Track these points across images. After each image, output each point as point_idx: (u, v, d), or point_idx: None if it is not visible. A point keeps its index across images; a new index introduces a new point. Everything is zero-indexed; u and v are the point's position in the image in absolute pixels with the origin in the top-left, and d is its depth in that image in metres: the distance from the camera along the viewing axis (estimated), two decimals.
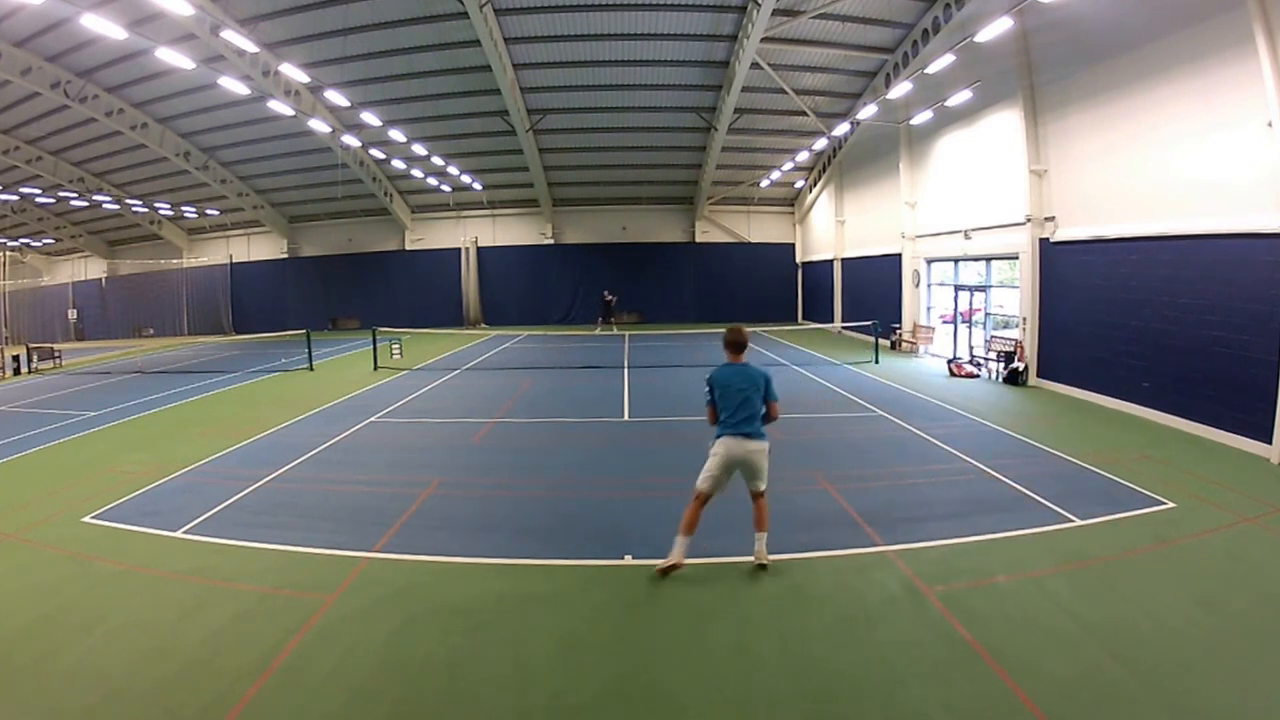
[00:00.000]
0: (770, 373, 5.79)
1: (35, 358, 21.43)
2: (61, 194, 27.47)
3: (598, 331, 28.26)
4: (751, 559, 5.70)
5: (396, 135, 21.41)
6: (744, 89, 21.20)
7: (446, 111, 23.68)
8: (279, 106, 18.81)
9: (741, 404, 5.63)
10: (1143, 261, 11.35)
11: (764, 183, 29.39)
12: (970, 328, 17.75)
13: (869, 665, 4.36)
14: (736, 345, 5.86)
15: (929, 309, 20.64)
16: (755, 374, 5.75)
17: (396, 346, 20.04)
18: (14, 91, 21.09)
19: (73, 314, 36.24)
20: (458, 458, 9.65)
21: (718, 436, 5.66)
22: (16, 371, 20.38)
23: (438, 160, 24.80)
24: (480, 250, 32.60)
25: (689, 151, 27.44)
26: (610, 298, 29.90)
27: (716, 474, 5.62)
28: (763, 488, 5.71)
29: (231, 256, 34.05)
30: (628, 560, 6.00)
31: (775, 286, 32.65)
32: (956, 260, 18.60)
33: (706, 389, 5.81)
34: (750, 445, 5.59)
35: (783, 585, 5.50)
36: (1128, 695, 3.99)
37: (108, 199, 28.51)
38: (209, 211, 31.32)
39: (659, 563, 5.59)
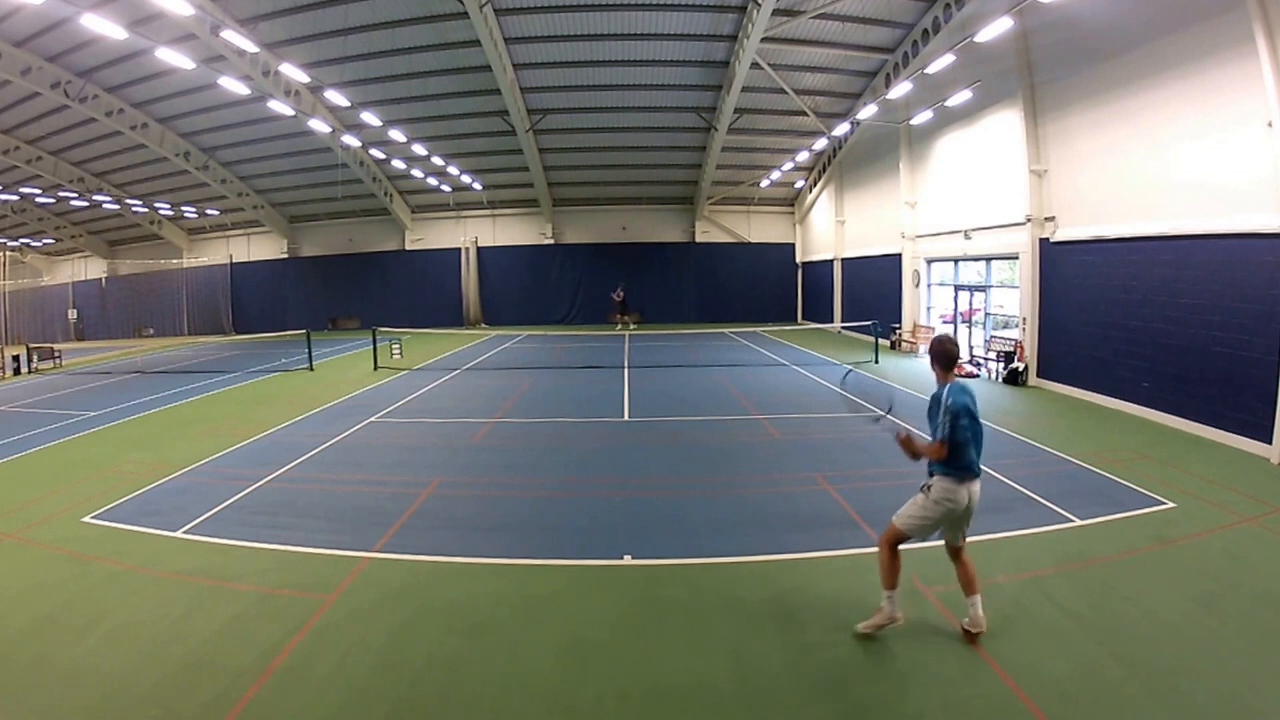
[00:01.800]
0: None
1: (35, 358, 21.44)
2: (61, 194, 27.47)
3: (618, 329, 28.34)
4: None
5: (396, 135, 21.42)
6: (744, 89, 21.20)
7: (446, 111, 23.68)
8: (279, 106, 18.81)
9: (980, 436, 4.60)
10: (1143, 261, 11.35)
11: (764, 183, 29.39)
12: (970, 328, 17.74)
13: (868, 666, 4.36)
14: (951, 360, 4.86)
15: (929, 309, 20.63)
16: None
17: (396, 346, 20.04)
18: (14, 91, 21.08)
19: (73, 314, 36.24)
20: (458, 458, 9.65)
21: (958, 478, 4.53)
22: (16, 371, 20.38)
23: (438, 160, 24.80)
24: (480, 250, 32.61)
25: (689, 151, 27.44)
26: (620, 294, 29.76)
27: (938, 524, 4.63)
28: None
29: (231, 256, 34.05)
30: (627, 560, 6.01)
31: (775, 286, 32.66)
32: (956, 260, 18.60)
33: (949, 418, 4.51)
34: (978, 488, 4.64)
35: (782, 585, 5.49)
36: (1127, 695, 3.99)
37: (108, 199, 28.52)
38: (209, 211, 31.32)
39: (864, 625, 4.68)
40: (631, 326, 28.75)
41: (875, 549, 6.02)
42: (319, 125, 21.05)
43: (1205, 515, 6.79)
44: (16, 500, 7.86)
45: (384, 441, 10.59)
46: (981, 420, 4.67)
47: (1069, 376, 13.39)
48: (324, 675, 4.33)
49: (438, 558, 6.09)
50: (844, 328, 25.61)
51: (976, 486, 4.62)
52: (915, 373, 16.39)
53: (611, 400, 13.36)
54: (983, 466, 8.33)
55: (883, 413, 4.79)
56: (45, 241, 35.48)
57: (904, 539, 4.69)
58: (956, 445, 4.52)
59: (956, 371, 4.85)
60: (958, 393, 4.65)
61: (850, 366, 5.05)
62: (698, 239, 32.37)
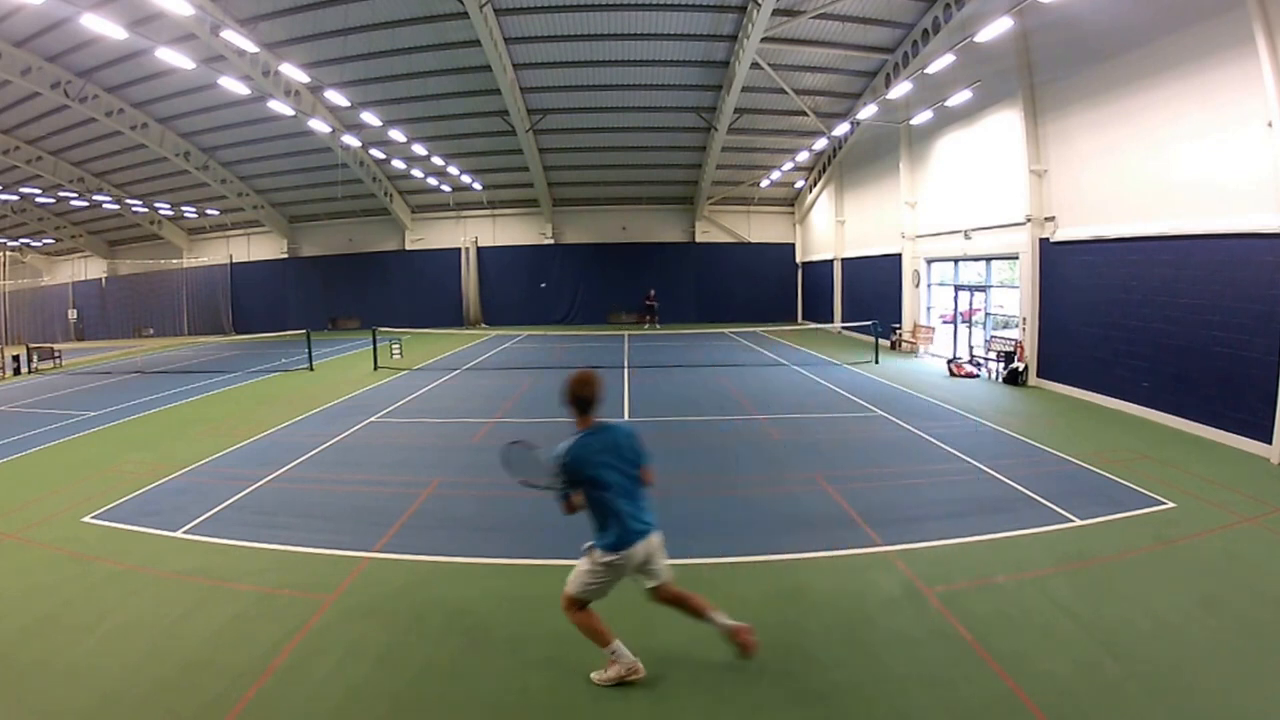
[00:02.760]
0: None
1: (35, 358, 21.43)
2: (61, 194, 27.47)
3: (645, 328, 28.92)
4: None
5: (396, 135, 21.42)
6: (744, 89, 21.19)
7: (446, 111, 23.68)
8: (279, 106, 18.81)
9: (634, 487, 4.05)
10: (1143, 261, 11.35)
11: (764, 183, 29.39)
12: (970, 328, 17.76)
13: (869, 666, 4.36)
14: (585, 403, 4.02)
15: (929, 309, 20.63)
16: (627, 435, 4.14)
17: (396, 346, 20.04)
18: (14, 91, 21.08)
19: (73, 314, 36.23)
20: (458, 458, 9.65)
21: (611, 545, 3.96)
22: (16, 371, 20.38)
23: (438, 160, 24.80)
24: (480, 250, 32.61)
25: (689, 151, 27.44)
26: (653, 300, 30.19)
27: (610, 584, 4.10)
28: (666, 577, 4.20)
29: (231, 256, 34.04)
30: None
31: (775, 286, 32.66)
32: (956, 260, 18.60)
33: (559, 476, 3.97)
34: (655, 541, 4.10)
35: (783, 585, 5.49)
36: (1127, 695, 3.99)
37: (108, 199, 28.51)
38: (209, 211, 31.32)
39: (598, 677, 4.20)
40: (654, 326, 29.16)
41: (876, 549, 6.09)
42: (319, 125, 21.06)
43: (1205, 515, 6.79)
44: (16, 500, 7.86)
45: (384, 441, 10.59)
46: (630, 470, 3.99)
47: (1069, 376, 13.39)
48: (324, 675, 4.33)
49: (438, 558, 6.09)
50: (844, 328, 25.61)
51: (640, 548, 3.99)
52: (915, 373, 16.40)
53: (611, 400, 13.32)
54: (980, 465, 8.50)
55: (537, 482, 4.13)
56: (45, 241, 35.48)
57: (581, 602, 4.12)
58: (594, 509, 3.97)
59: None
60: (579, 447, 3.95)
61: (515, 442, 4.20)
62: (698, 239, 32.37)
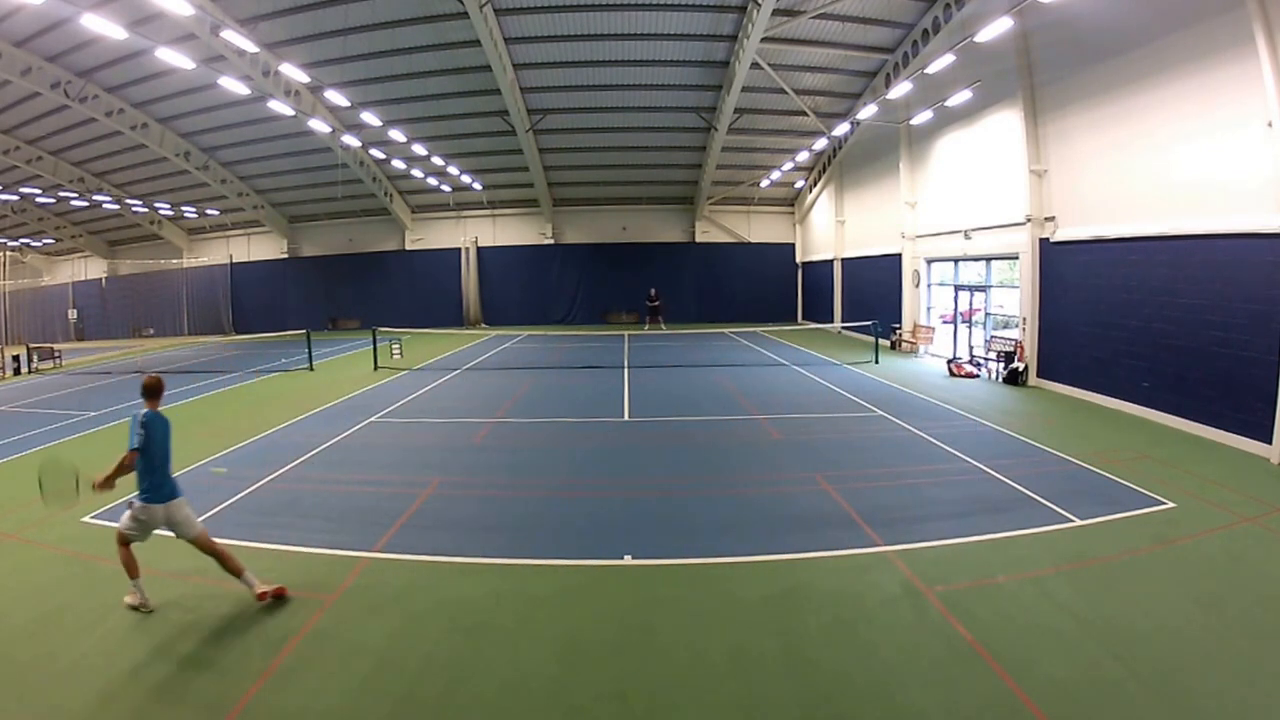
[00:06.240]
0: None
1: (35, 358, 21.43)
2: (61, 194, 27.47)
3: (646, 329, 28.80)
4: None
5: (396, 135, 21.41)
6: (744, 89, 21.19)
7: (446, 111, 23.68)
8: (279, 106, 18.81)
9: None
10: (1143, 261, 11.35)
11: (764, 183, 29.39)
12: (970, 328, 17.75)
13: (869, 666, 4.36)
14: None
15: (929, 309, 20.63)
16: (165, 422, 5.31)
17: (396, 346, 20.04)
18: (14, 91, 21.08)
19: (73, 314, 36.23)
20: (458, 458, 9.65)
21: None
22: (16, 371, 20.37)
23: (438, 160, 24.80)
24: (480, 250, 32.61)
25: (689, 151, 27.44)
26: (655, 299, 30.08)
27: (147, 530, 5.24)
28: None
29: (231, 256, 34.04)
30: (628, 560, 6.01)
31: (775, 286, 32.66)
32: (956, 260, 18.60)
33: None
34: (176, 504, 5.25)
35: (783, 585, 5.49)
36: (1127, 695, 3.99)
37: (108, 199, 28.52)
38: (209, 211, 31.32)
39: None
40: (657, 327, 28.96)
41: (876, 549, 6.10)
42: (319, 125, 21.05)
43: (1205, 515, 6.80)
44: (17, 500, 7.85)
45: (384, 441, 10.59)
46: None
47: (1069, 376, 13.39)
48: (324, 675, 4.33)
49: (438, 558, 6.09)
50: (844, 328, 25.62)
51: (160, 511, 5.11)
52: (915, 373, 16.40)
53: (612, 400, 13.36)
54: (981, 465, 8.52)
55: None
56: (45, 241, 35.48)
57: (126, 539, 5.21)
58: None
59: None
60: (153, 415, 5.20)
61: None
62: (698, 239, 32.37)
